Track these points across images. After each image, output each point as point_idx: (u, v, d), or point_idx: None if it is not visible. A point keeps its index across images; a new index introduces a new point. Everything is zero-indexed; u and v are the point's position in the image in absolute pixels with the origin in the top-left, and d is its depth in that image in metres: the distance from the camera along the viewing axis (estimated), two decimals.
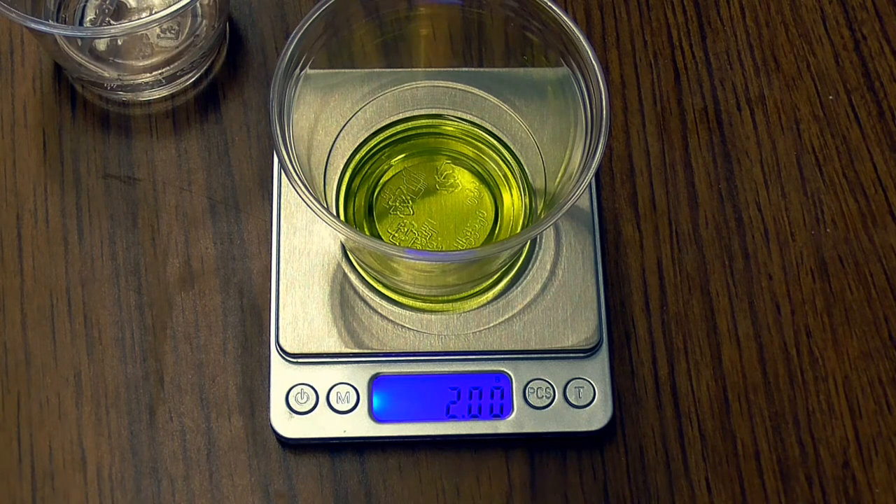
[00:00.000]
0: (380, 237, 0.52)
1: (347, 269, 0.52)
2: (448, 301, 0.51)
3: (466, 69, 0.54)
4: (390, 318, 0.51)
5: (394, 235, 0.52)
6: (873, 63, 0.59)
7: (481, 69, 0.54)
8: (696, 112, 0.57)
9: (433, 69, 0.54)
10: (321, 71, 0.48)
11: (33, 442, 0.51)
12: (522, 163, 0.53)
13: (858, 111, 0.58)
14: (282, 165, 0.44)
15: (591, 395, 0.51)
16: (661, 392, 0.52)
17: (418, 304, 0.51)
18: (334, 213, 0.49)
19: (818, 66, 0.59)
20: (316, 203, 0.43)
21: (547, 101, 0.51)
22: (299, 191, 0.43)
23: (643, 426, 0.52)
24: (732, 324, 0.53)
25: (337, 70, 0.51)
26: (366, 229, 0.52)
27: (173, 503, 0.50)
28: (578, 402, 0.51)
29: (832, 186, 0.56)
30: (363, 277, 0.52)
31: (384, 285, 0.52)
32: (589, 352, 0.51)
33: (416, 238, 0.52)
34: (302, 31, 0.46)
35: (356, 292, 0.52)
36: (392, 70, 0.53)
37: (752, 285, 0.54)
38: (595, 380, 0.51)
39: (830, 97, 0.58)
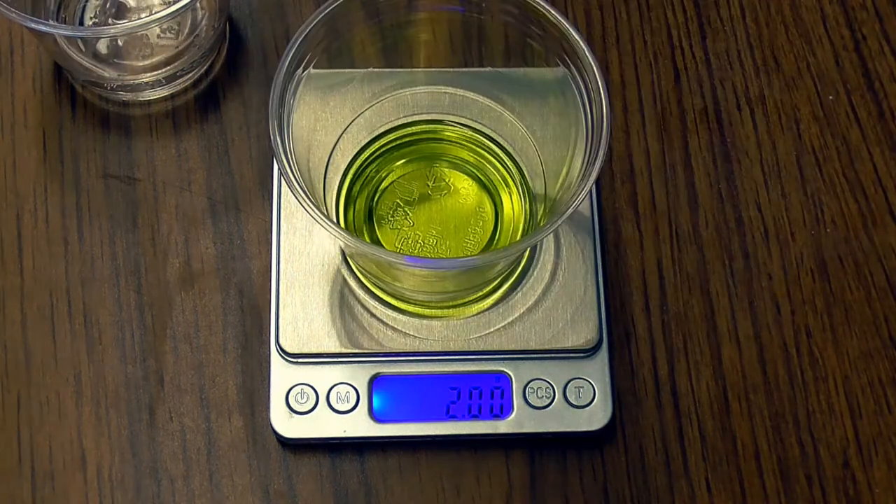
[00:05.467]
0: (380, 243, 0.51)
1: (347, 275, 0.52)
2: (448, 307, 0.51)
3: (466, 70, 0.54)
4: (390, 322, 0.51)
5: (394, 241, 0.52)
6: (873, 63, 0.59)
7: (482, 69, 0.54)
8: (696, 112, 0.57)
9: (433, 69, 0.53)
10: (322, 71, 0.48)
11: (33, 442, 0.51)
12: (523, 168, 0.53)
13: (858, 111, 0.58)
14: (282, 173, 0.44)
15: (591, 395, 0.51)
16: (661, 392, 0.52)
17: (418, 309, 0.51)
18: (334, 220, 0.49)
19: (818, 66, 0.59)
20: (315, 209, 0.43)
21: (548, 103, 0.50)
22: (299, 198, 0.43)
23: (643, 426, 0.52)
24: (732, 324, 0.53)
25: (337, 70, 0.51)
26: (366, 235, 0.52)
27: (173, 503, 0.50)
28: (578, 402, 0.51)
29: (832, 186, 0.56)
30: (362, 282, 0.52)
31: (383, 290, 0.52)
32: (589, 352, 0.51)
33: (416, 244, 0.52)
34: (303, 36, 0.46)
35: (355, 296, 0.51)
36: (392, 71, 0.53)
37: (752, 285, 0.54)
38: (595, 380, 0.51)
39: (830, 97, 0.58)
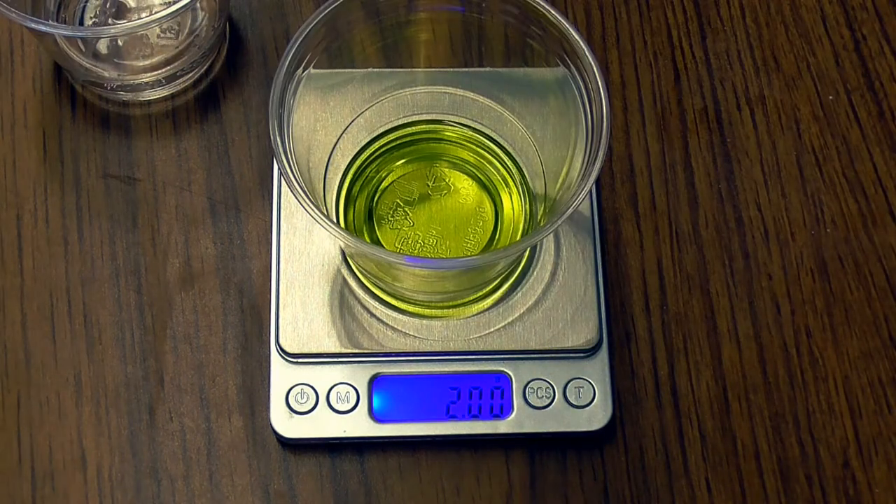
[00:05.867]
0: (380, 243, 0.51)
1: (347, 275, 0.52)
2: (448, 307, 0.51)
3: (466, 70, 0.54)
4: (390, 322, 0.51)
5: (394, 242, 0.52)
6: (873, 63, 0.59)
7: (482, 69, 0.54)
8: (696, 112, 0.57)
9: (433, 69, 0.54)
10: (322, 71, 0.48)
11: (33, 442, 0.51)
12: (523, 168, 0.53)
13: (858, 111, 0.58)
14: (282, 173, 0.44)
15: (591, 395, 0.51)
16: (661, 392, 0.52)
17: (418, 309, 0.51)
18: (334, 220, 0.49)
19: (818, 66, 0.59)
20: (315, 209, 0.43)
21: (548, 103, 0.51)
22: (299, 198, 0.43)
23: (643, 426, 0.52)
24: (732, 324, 0.53)
25: (337, 70, 0.51)
26: (366, 235, 0.52)
27: (173, 503, 0.50)
28: (578, 402, 0.51)
29: (832, 186, 0.56)
30: (362, 282, 0.52)
31: (383, 290, 0.52)
32: (589, 352, 0.51)
33: (416, 244, 0.51)
34: (303, 36, 0.46)
35: (355, 296, 0.51)
36: (392, 71, 0.53)
37: (752, 285, 0.54)
38: (595, 380, 0.51)
39: (830, 97, 0.58)
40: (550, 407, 0.51)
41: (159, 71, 0.56)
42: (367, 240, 0.51)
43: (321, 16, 0.46)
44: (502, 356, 0.51)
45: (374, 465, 0.51)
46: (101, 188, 0.55)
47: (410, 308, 0.51)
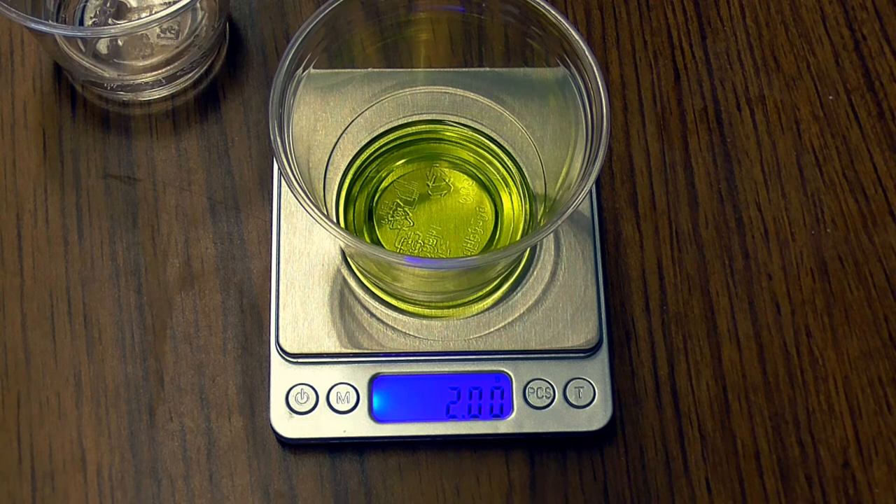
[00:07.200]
0: (380, 243, 0.51)
1: (347, 275, 0.52)
2: (448, 307, 0.51)
3: (466, 69, 0.54)
4: (390, 322, 0.51)
5: (394, 241, 0.52)
6: (873, 63, 0.59)
7: (482, 69, 0.54)
8: (696, 112, 0.57)
9: (433, 69, 0.54)
10: (321, 71, 0.48)
11: (33, 442, 0.51)
12: (523, 168, 0.53)
13: (858, 111, 0.58)
14: (282, 173, 0.44)
15: (591, 395, 0.51)
16: (661, 392, 0.52)
17: (418, 309, 0.51)
18: (334, 220, 0.49)
19: (818, 66, 0.59)
20: (315, 209, 0.43)
21: (548, 103, 0.51)
22: (299, 198, 0.43)
23: (643, 426, 0.52)
24: (732, 324, 0.53)
25: (337, 70, 0.51)
26: (366, 235, 0.52)
27: (173, 503, 0.50)
28: (578, 402, 0.51)
29: (832, 186, 0.56)
30: (362, 282, 0.52)
31: (383, 290, 0.52)
32: (589, 352, 0.51)
33: (416, 244, 0.52)
34: (303, 36, 0.46)
35: (355, 296, 0.52)
36: (392, 71, 0.53)
37: (752, 285, 0.54)
38: (595, 380, 0.51)
39: (830, 97, 0.58)
40: (550, 407, 0.51)
41: (159, 71, 0.56)
42: (367, 240, 0.52)
43: (321, 16, 0.46)
44: (502, 356, 0.51)
45: (374, 465, 0.51)
46: (101, 188, 0.55)
47: (410, 308, 0.51)
